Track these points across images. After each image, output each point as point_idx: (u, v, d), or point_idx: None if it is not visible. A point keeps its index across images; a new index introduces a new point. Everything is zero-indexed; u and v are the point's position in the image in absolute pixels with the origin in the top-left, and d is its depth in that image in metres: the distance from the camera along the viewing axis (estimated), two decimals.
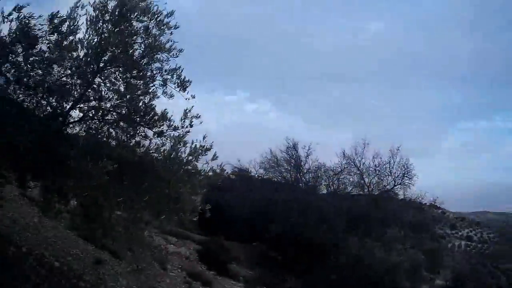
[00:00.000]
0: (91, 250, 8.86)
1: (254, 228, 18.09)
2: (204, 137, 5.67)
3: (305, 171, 19.82)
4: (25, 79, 6.08)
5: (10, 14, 5.85)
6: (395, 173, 19.03)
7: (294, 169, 20.06)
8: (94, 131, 6.17)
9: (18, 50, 6.05)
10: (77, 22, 6.06)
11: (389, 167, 19.06)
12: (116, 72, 6.40)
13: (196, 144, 5.57)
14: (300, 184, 19.91)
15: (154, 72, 6.35)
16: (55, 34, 5.86)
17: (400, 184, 18.99)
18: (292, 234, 16.03)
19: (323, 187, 20.23)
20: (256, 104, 74.28)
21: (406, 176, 18.93)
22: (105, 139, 6.22)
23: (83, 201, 5.87)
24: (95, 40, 6.16)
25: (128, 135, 6.19)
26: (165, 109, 5.92)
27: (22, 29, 5.90)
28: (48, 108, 6.26)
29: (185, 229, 18.53)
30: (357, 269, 13.13)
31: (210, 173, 5.86)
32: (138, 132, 6.08)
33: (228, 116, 64.59)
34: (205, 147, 5.61)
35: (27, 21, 5.87)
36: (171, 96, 6.34)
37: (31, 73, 6.13)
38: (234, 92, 72.99)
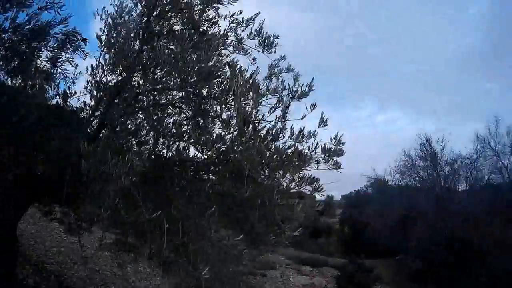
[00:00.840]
0: None
1: (396, 240, 16.73)
2: (295, 78, 3.20)
3: (443, 164, 18.14)
4: None
5: None
6: None
7: (431, 164, 18.24)
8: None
9: None
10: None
11: None
12: (171, 40, 4.15)
13: (288, 94, 3.00)
14: (438, 182, 17.93)
15: (224, 29, 4.16)
16: None
17: None
18: (434, 240, 14.44)
19: (461, 179, 18.02)
20: (385, 114, 72.07)
21: None
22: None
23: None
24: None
25: (191, 121, 3.72)
26: (235, 58, 3.67)
27: None
28: None
29: (323, 254, 17.74)
30: (502, 264, 11.90)
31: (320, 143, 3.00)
32: (203, 108, 3.54)
33: (358, 131, 63.06)
34: (301, 91, 2.98)
35: None
36: (247, 53, 4.16)
37: None
38: (360, 106, 70.80)
